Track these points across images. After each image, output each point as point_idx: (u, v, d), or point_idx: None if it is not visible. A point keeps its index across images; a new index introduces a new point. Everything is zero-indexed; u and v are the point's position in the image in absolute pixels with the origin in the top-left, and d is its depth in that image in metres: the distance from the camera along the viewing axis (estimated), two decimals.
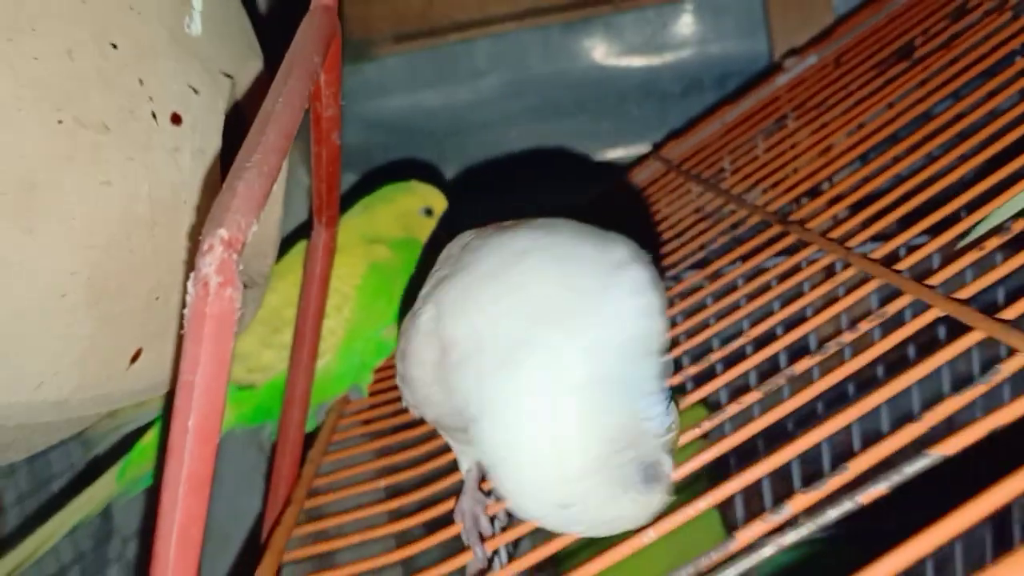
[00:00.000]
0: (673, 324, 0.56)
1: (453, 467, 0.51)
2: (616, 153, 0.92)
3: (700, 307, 0.57)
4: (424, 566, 0.44)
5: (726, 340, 0.50)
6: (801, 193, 0.60)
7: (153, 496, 0.82)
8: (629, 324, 0.35)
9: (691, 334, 0.53)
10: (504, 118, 0.90)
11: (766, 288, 0.51)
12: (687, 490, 0.61)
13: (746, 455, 0.82)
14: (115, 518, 0.91)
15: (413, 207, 0.71)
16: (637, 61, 0.88)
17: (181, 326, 0.31)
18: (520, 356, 0.35)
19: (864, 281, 0.46)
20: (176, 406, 0.31)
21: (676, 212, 0.70)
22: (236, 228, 0.31)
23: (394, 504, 0.53)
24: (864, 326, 0.42)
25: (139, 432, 0.67)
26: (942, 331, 0.77)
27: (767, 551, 0.33)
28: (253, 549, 0.82)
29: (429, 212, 0.71)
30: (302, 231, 0.78)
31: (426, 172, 0.91)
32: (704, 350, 0.53)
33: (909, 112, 0.61)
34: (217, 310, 0.31)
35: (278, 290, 0.64)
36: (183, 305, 0.32)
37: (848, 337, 0.42)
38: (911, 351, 0.79)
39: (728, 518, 0.81)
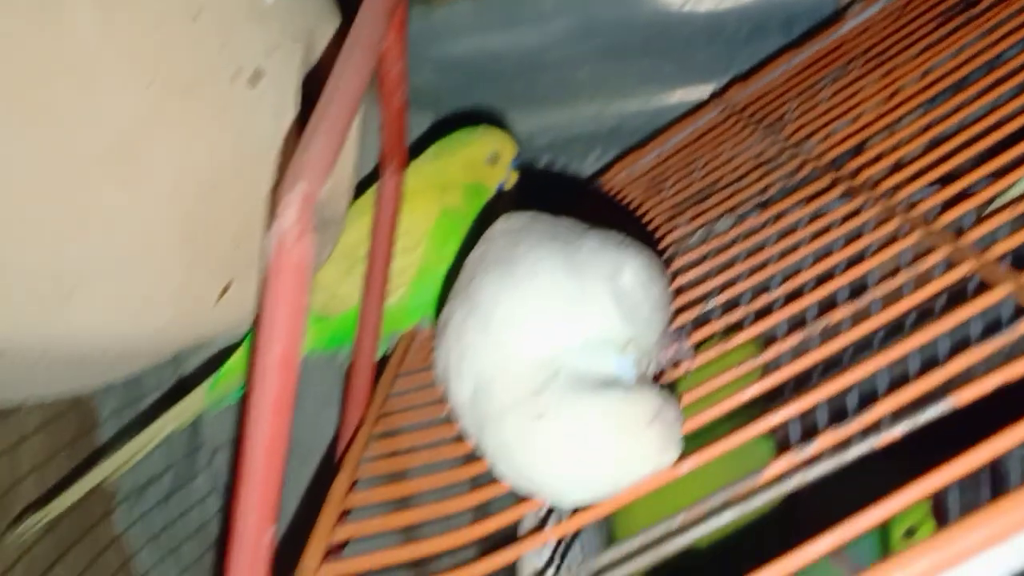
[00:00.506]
0: (733, 263, 0.59)
1: None
2: (678, 97, 0.92)
3: (762, 246, 0.60)
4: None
5: (786, 277, 0.52)
6: (855, 144, 0.62)
7: (239, 411, 0.88)
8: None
9: (753, 271, 0.55)
10: (570, 60, 0.91)
11: (824, 231, 0.54)
12: (738, 421, 0.64)
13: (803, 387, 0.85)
14: (204, 430, 0.97)
15: (480, 155, 0.74)
16: (702, 5, 0.88)
17: (263, 270, 0.36)
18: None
19: (905, 235, 0.48)
20: (260, 340, 0.36)
21: (738, 156, 0.72)
22: (311, 183, 0.35)
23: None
24: (899, 279, 0.45)
25: (227, 350, 0.73)
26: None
27: (792, 484, 0.36)
28: (330, 465, 0.88)
29: (497, 157, 0.75)
30: (378, 170, 0.82)
31: (496, 116, 0.93)
32: (765, 286, 0.55)
33: (976, 59, 0.61)
34: (295, 258, 0.35)
35: (356, 227, 0.68)
36: (264, 251, 0.36)
37: (883, 289, 0.45)
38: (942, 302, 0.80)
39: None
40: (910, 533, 0.77)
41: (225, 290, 0.49)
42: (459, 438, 0.55)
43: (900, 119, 0.63)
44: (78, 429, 0.81)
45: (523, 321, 0.41)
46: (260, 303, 0.36)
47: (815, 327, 0.45)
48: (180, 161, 0.44)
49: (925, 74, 0.65)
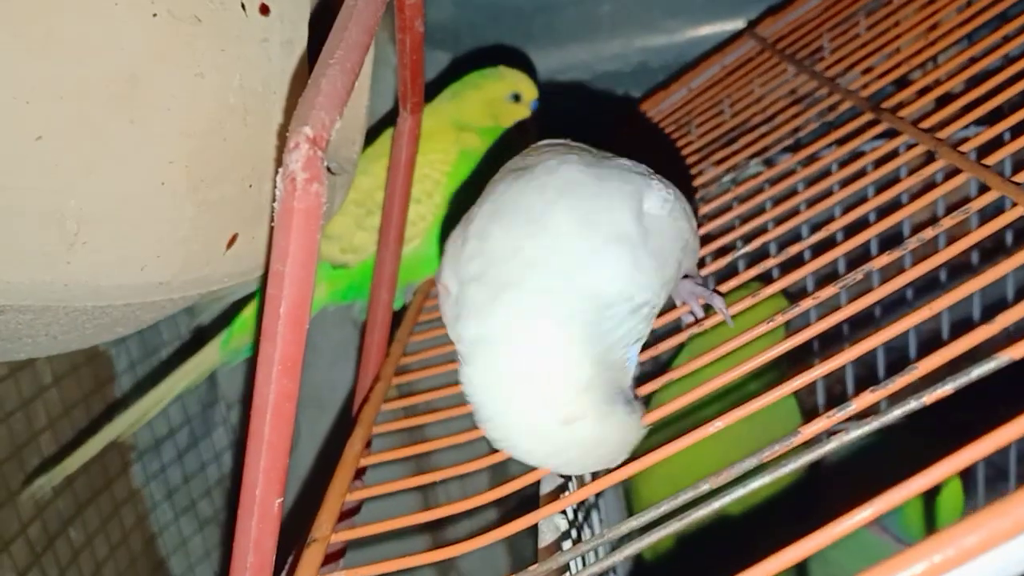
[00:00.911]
0: (762, 210, 0.56)
1: None
2: (709, 29, 0.89)
3: (792, 192, 0.57)
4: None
5: (816, 227, 0.50)
6: (898, 78, 0.58)
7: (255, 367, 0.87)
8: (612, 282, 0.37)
9: (780, 221, 0.52)
10: None
11: (860, 174, 0.51)
12: (763, 379, 0.62)
13: (831, 344, 0.84)
14: (220, 385, 0.96)
15: (500, 94, 0.71)
16: None
17: (272, 218, 0.34)
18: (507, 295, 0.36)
19: (952, 174, 0.45)
20: (268, 293, 0.34)
21: (769, 94, 0.69)
22: (320, 126, 0.33)
23: None
24: (947, 222, 0.42)
25: (241, 303, 0.71)
26: None
27: (829, 447, 0.34)
28: (346, 420, 0.87)
29: (517, 98, 0.72)
30: (394, 112, 0.80)
31: (516, 56, 0.90)
32: (794, 236, 0.53)
33: None
34: (304, 204, 0.33)
35: (372, 173, 0.66)
36: (272, 197, 0.34)
37: (930, 233, 0.42)
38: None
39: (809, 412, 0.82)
40: (933, 492, 0.76)
41: (234, 239, 0.47)
42: None
43: (941, 52, 0.60)
44: (94, 382, 0.80)
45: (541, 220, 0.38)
46: (271, 245, 0.34)
47: (850, 278, 0.43)
48: (187, 96, 0.42)
49: (968, 4, 0.62)
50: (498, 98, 0.71)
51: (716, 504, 0.35)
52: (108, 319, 0.47)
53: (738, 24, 0.87)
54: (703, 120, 0.73)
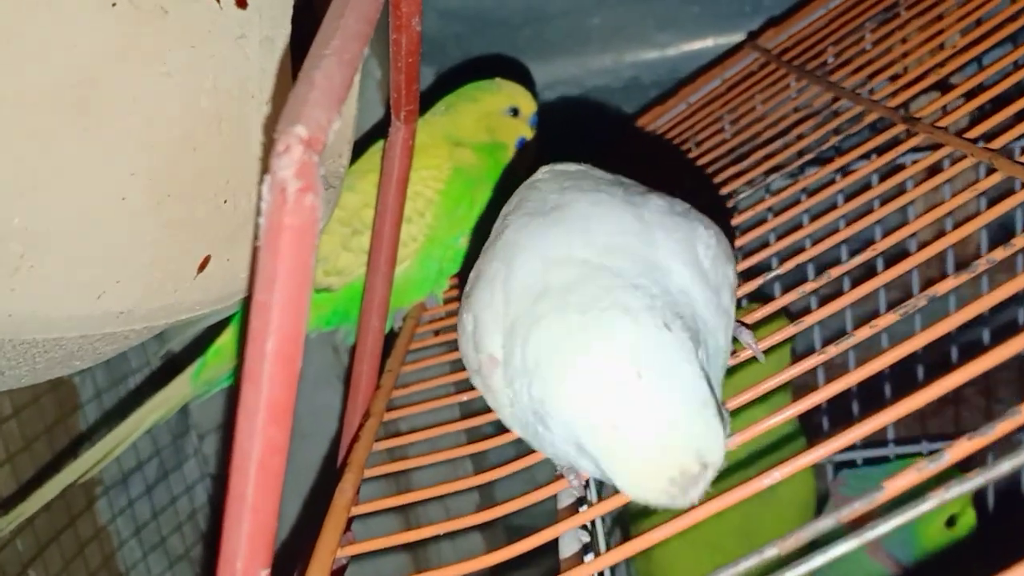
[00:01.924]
0: (800, 225, 0.50)
1: None
2: (706, 43, 0.83)
3: (831, 206, 0.51)
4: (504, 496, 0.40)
5: (856, 250, 0.43)
6: (928, 87, 0.53)
7: (230, 396, 0.81)
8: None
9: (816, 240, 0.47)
10: (582, 5, 0.82)
11: (900, 191, 0.45)
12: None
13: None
14: (192, 414, 0.92)
15: (497, 107, 0.64)
16: None
17: (256, 237, 0.27)
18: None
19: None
20: (252, 328, 0.27)
21: (778, 108, 0.63)
22: (316, 125, 0.26)
23: (474, 422, 0.49)
24: (1021, 242, 0.36)
25: (216, 328, 0.64)
26: None
27: (924, 507, 0.28)
28: (329, 450, 0.81)
29: (515, 112, 0.65)
30: (377, 129, 0.73)
31: (510, 68, 0.84)
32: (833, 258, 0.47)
33: None
34: (296, 220, 0.26)
35: (358, 190, 0.59)
36: (256, 211, 0.27)
37: (1000, 254, 0.36)
38: None
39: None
40: (951, 523, 0.72)
41: (206, 261, 0.40)
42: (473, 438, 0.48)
43: (965, 65, 0.54)
44: (57, 413, 0.75)
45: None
46: (253, 278, 0.27)
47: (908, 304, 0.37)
48: (151, 99, 0.35)
49: (978, 23, 0.56)
50: (495, 112, 0.64)
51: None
52: (62, 352, 0.40)
53: (733, 38, 0.82)
54: (708, 135, 0.68)
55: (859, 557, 0.75)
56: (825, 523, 0.30)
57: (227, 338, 0.62)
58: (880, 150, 0.50)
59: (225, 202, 0.39)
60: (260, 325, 0.27)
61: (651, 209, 0.35)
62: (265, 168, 0.26)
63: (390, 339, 0.61)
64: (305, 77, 0.28)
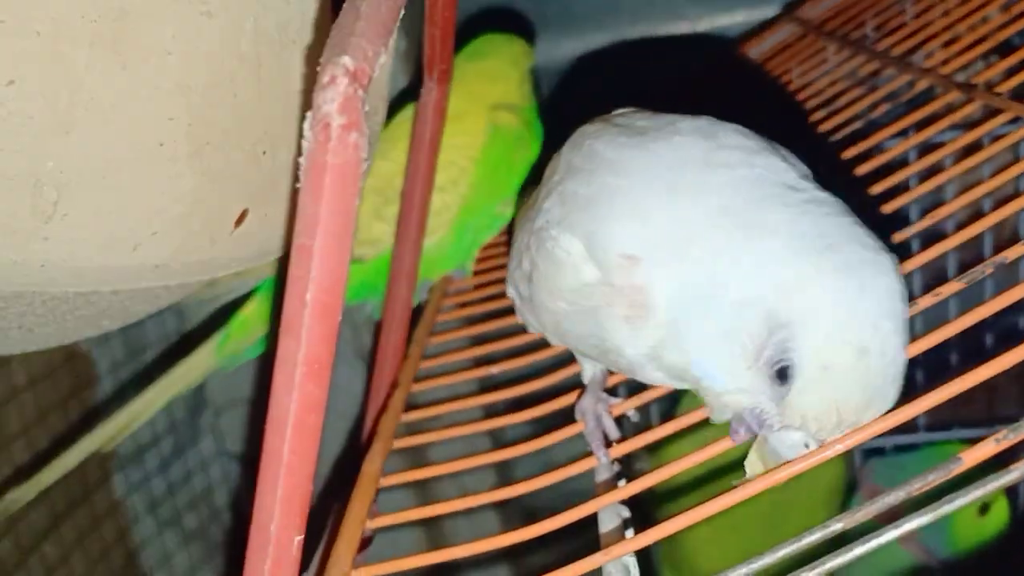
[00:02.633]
0: None
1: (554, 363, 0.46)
2: (735, 18, 0.81)
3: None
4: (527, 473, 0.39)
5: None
6: (984, 52, 0.50)
7: (258, 369, 0.79)
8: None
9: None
10: None
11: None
12: None
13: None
14: (208, 388, 0.90)
15: (526, 65, 0.62)
16: None
17: (296, 179, 0.25)
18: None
19: None
20: (291, 275, 0.26)
21: (819, 79, 0.61)
22: (362, 56, 0.25)
23: (501, 395, 0.47)
24: None
25: (237, 302, 0.62)
26: None
27: (1003, 481, 0.26)
28: (349, 426, 0.79)
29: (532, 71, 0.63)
30: (401, 98, 0.71)
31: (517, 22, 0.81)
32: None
33: None
34: (340, 159, 0.24)
35: (392, 157, 0.56)
36: (296, 160, 0.25)
37: None
38: None
39: None
40: (984, 510, 0.70)
41: (243, 215, 0.38)
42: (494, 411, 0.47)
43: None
44: (73, 385, 0.72)
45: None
46: (291, 221, 0.25)
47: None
48: (190, 39, 0.33)
49: None
50: (526, 74, 0.61)
51: (857, 551, 0.26)
52: (92, 309, 0.38)
53: (765, 12, 0.79)
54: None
55: (889, 545, 0.73)
56: (895, 495, 0.28)
57: (252, 308, 0.60)
58: (932, 118, 0.47)
59: (264, 153, 0.37)
60: (300, 272, 0.25)
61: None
62: (307, 105, 0.24)
63: (416, 312, 0.59)
64: (350, 7, 0.27)
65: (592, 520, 0.36)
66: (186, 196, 0.35)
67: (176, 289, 0.39)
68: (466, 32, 0.62)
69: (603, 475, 0.39)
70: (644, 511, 0.79)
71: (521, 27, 0.78)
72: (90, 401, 0.75)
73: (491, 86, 0.60)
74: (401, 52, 0.81)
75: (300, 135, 0.25)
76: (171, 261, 0.36)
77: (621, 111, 0.39)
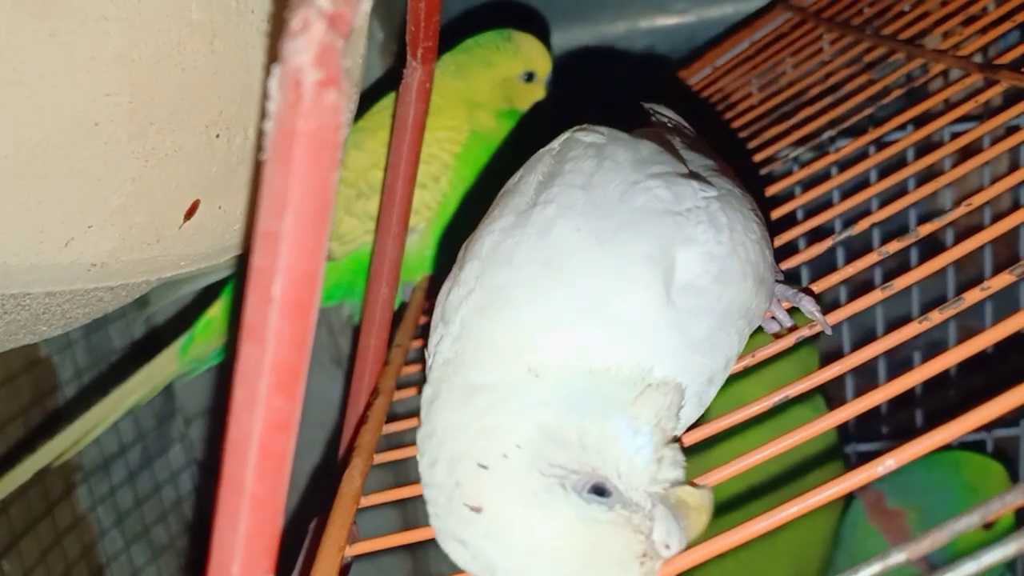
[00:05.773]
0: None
1: None
2: (724, 10, 0.77)
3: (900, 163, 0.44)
4: None
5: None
6: (1002, 33, 0.46)
7: (222, 375, 0.73)
8: None
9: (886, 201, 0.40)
10: None
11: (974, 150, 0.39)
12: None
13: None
14: (177, 396, 0.86)
15: (513, 73, 0.57)
16: None
17: (259, 148, 0.20)
18: None
19: None
20: (254, 267, 0.20)
21: (822, 67, 0.57)
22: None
23: None
24: None
25: (204, 299, 0.58)
26: None
27: None
28: (325, 435, 0.74)
29: (530, 77, 0.58)
30: (380, 87, 0.66)
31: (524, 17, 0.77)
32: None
33: None
34: (314, 123, 0.19)
35: (366, 148, 0.52)
36: (257, 141, 0.20)
37: None
38: None
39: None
40: (987, 524, 0.66)
41: (194, 207, 0.32)
42: None
43: None
44: (34, 393, 0.69)
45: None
46: (253, 203, 0.20)
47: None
48: (131, 5, 0.28)
49: None
50: (511, 78, 0.57)
51: None
52: (25, 314, 0.32)
53: (752, 4, 0.75)
54: (740, 98, 0.61)
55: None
56: (967, 520, 0.23)
57: (218, 310, 0.56)
58: (952, 104, 0.43)
59: (217, 136, 0.32)
60: (265, 263, 0.20)
61: (635, 208, 0.30)
62: (274, 57, 0.19)
63: (398, 314, 0.54)
64: None
65: None
66: (126, 185, 0.30)
67: (120, 291, 0.33)
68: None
69: None
70: None
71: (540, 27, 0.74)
72: (52, 409, 0.70)
73: (472, 90, 0.55)
74: (379, 44, 0.76)
75: (264, 98, 0.20)
76: (110, 259, 0.30)
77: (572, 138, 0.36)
